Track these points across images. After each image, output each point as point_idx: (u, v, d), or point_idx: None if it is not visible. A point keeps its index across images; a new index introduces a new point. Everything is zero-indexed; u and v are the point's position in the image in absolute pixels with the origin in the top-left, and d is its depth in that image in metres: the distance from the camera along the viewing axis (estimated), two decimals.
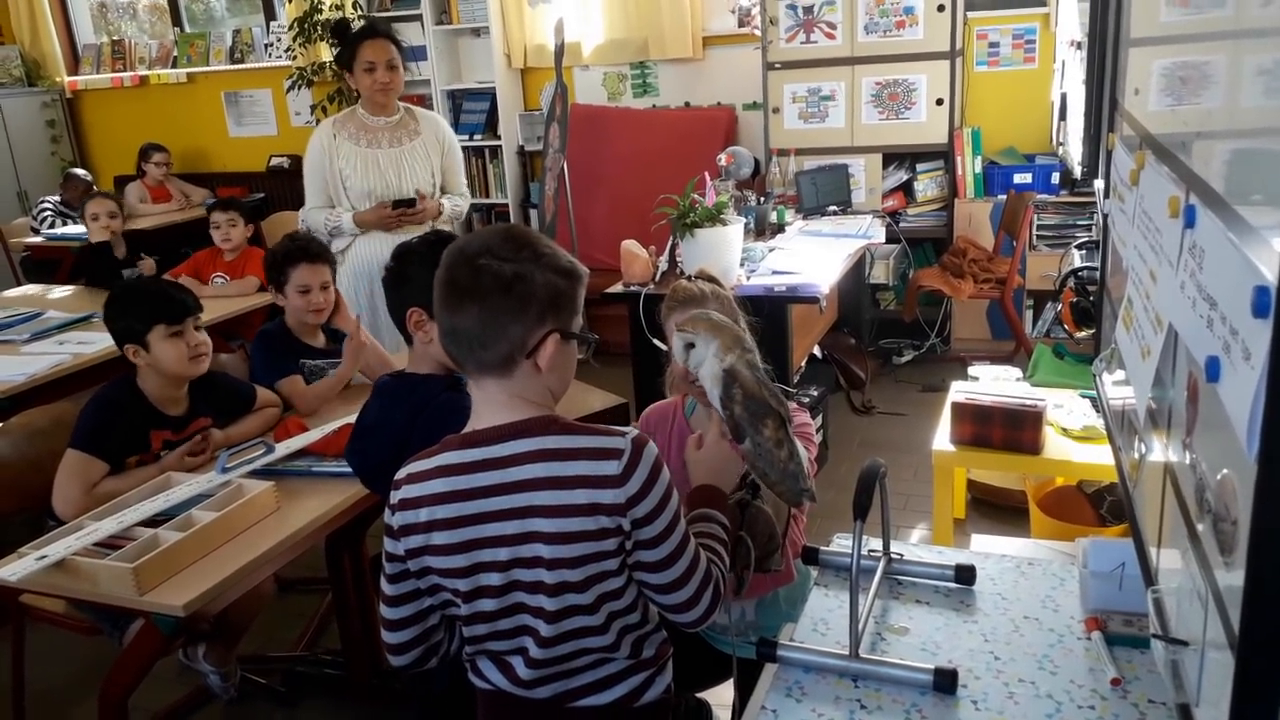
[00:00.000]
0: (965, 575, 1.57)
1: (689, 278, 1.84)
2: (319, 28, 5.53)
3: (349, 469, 1.94)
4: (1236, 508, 0.74)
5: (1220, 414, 0.77)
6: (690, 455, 1.43)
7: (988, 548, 2.28)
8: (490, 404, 1.27)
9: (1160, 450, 1.10)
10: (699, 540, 1.30)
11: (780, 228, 4.19)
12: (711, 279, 1.84)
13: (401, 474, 1.29)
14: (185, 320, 2.26)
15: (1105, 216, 1.68)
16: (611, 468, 1.20)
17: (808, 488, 1.34)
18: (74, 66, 7.05)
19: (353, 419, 1.95)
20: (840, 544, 1.70)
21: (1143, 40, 1.50)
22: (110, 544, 1.88)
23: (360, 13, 5.62)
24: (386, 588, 1.31)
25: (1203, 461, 0.87)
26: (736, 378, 1.33)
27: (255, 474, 2.16)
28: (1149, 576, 1.16)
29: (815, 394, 3.57)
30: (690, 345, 1.36)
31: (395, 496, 1.28)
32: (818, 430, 2.86)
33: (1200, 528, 0.86)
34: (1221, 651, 0.77)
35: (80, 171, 6.06)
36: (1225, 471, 0.78)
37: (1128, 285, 1.31)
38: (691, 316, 1.38)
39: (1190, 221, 0.94)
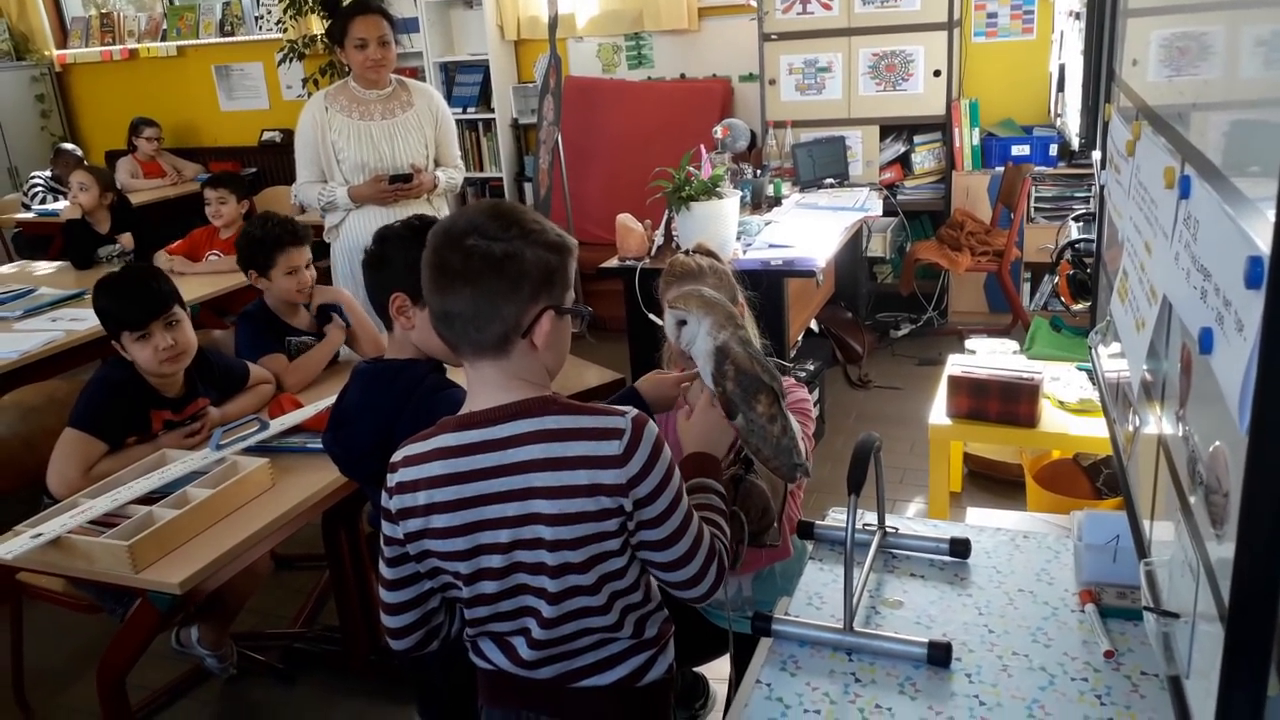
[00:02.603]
0: (960, 549, 1.57)
1: (686, 252, 1.83)
2: (310, 0, 5.46)
3: None
4: (1228, 480, 0.74)
5: (1213, 386, 0.77)
6: (681, 426, 1.43)
7: (983, 521, 2.28)
8: (487, 385, 1.26)
9: (1154, 423, 1.10)
10: (700, 513, 1.29)
11: (777, 201, 4.16)
12: (709, 253, 1.83)
13: (397, 456, 1.27)
14: (149, 324, 2.18)
15: (1102, 188, 1.67)
16: (612, 448, 1.19)
17: (801, 463, 1.34)
18: (62, 40, 6.98)
19: None
20: (835, 518, 1.70)
21: (1140, 10, 1.48)
22: (105, 522, 1.88)
23: None
24: (385, 571, 1.30)
25: (1195, 434, 0.87)
26: (728, 354, 1.33)
27: (250, 450, 2.16)
28: (1142, 549, 1.16)
29: (812, 368, 3.56)
30: (682, 323, 1.35)
31: (392, 479, 1.27)
32: (814, 405, 2.85)
33: (1192, 500, 0.86)
34: (1212, 624, 0.77)
35: (70, 146, 6.01)
36: (1217, 443, 0.78)
37: (1123, 257, 1.30)
38: (683, 294, 1.37)
39: (1185, 192, 0.93)
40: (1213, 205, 0.83)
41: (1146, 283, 1.10)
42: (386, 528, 1.28)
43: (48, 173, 5.84)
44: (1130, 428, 1.28)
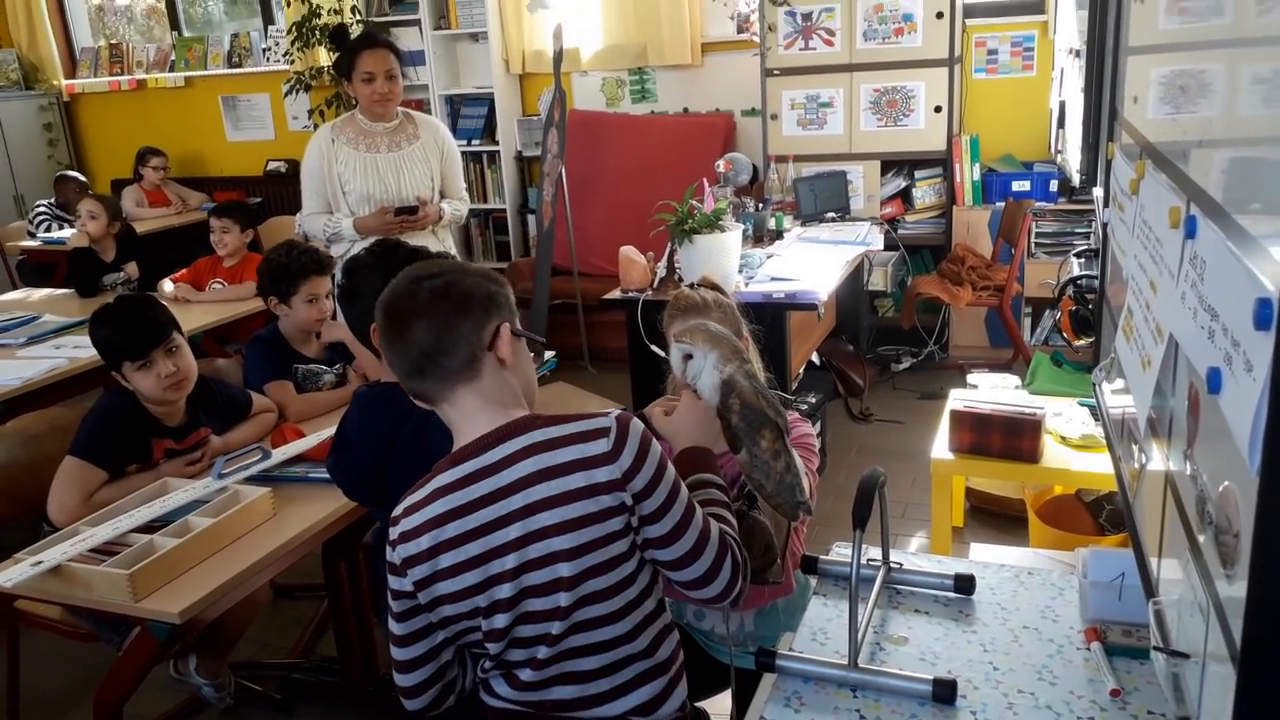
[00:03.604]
0: (964, 585, 1.57)
1: (692, 285, 1.84)
2: (317, 32, 5.52)
3: None
4: (1238, 520, 0.74)
5: (1221, 425, 0.77)
6: (660, 424, 1.44)
7: (987, 557, 2.27)
8: (469, 418, 1.29)
9: (1160, 460, 1.10)
10: (704, 509, 1.30)
11: (778, 234, 4.18)
12: (715, 286, 1.83)
13: (398, 510, 1.29)
14: (150, 352, 2.19)
15: (1105, 225, 1.68)
16: (601, 445, 1.22)
17: (804, 500, 1.34)
18: (71, 70, 7.05)
19: None
20: (839, 553, 1.70)
21: (1142, 48, 1.50)
22: (106, 550, 1.87)
23: (359, 17, 5.61)
24: (395, 628, 1.30)
25: (1204, 473, 0.87)
26: (734, 388, 1.33)
27: (251, 480, 2.15)
28: (1149, 587, 1.15)
29: (813, 401, 3.56)
30: (688, 356, 1.36)
31: (394, 532, 1.28)
32: (816, 438, 2.85)
33: (1201, 539, 0.85)
34: (1223, 664, 0.77)
35: (73, 174, 6.04)
36: (1227, 484, 0.78)
37: (1128, 294, 1.30)
38: (690, 327, 1.38)
39: (1191, 232, 0.94)
40: (1219, 245, 0.83)
41: (1152, 321, 1.10)
42: (393, 582, 1.28)
43: (50, 200, 5.87)
44: (1136, 465, 1.28)
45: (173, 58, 6.74)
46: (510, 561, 1.22)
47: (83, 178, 6.05)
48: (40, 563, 1.81)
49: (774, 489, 1.31)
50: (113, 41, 7.06)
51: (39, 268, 5.41)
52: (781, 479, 1.30)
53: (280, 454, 2.26)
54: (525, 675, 1.28)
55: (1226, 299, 0.80)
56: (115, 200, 4.64)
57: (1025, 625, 1.49)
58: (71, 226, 5.69)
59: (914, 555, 1.71)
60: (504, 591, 1.23)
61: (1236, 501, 0.75)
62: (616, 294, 3.57)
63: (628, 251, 3.57)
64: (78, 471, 2.13)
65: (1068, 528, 2.80)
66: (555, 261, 5.01)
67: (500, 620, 1.25)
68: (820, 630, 1.51)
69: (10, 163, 6.51)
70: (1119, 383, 1.46)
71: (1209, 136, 0.96)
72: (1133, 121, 1.45)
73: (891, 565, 1.60)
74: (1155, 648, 0.99)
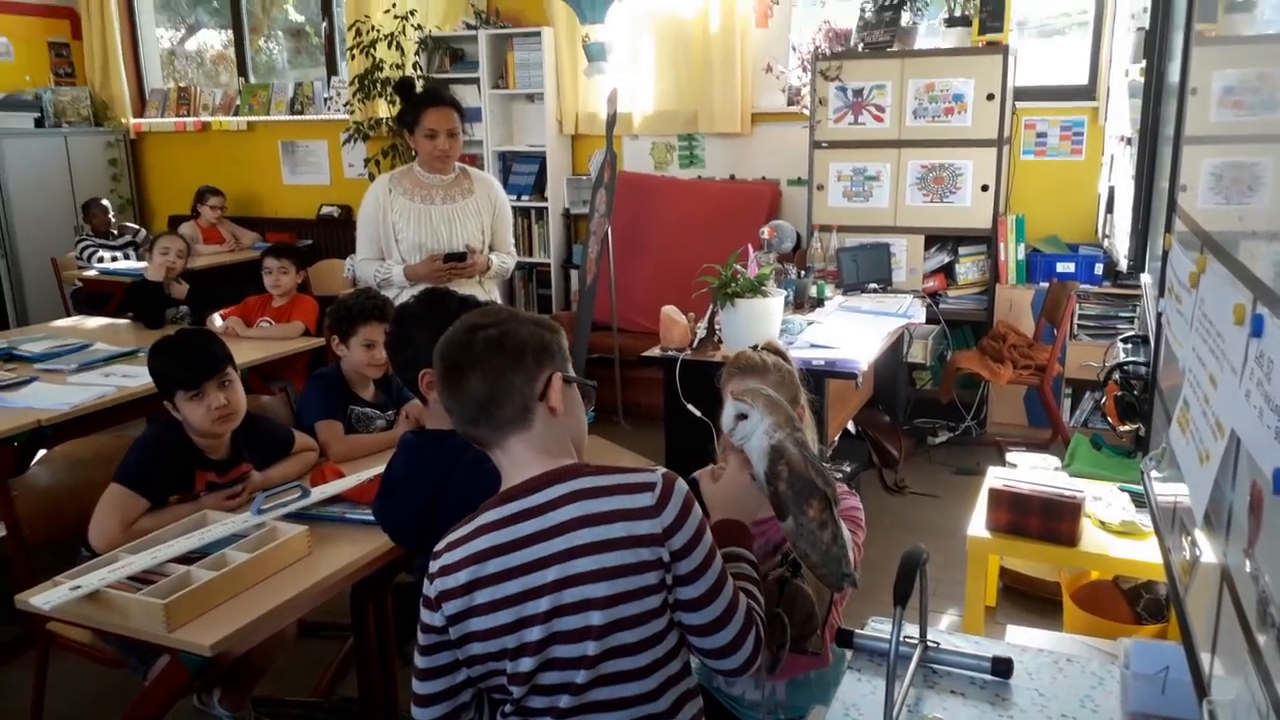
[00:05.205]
0: (1002, 668, 1.54)
1: (755, 347, 1.84)
2: (379, 85, 5.69)
3: None
4: None
5: None
6: (706, 489, 1.44)
7: (1024, 640, 2.22)
8: (518, 465, 1.31)
9: (1216, 555, 1.08)
10: (735, 582, 1.30)
11: (820, 302, 4.20)
12: (778, 351, 1.83)
13: (441, 544, 1.30)
14: (204, 384, 2.23)
15: (1159, 315, 1.67)
16: (646, 499, 1.24)
17: (850, 573, 1.33)
18: (140, 109, 7.31)
19: None
20: (875, 628, 1.67)
21: (1201, 138, 1.50)
22: (142, 578, 1.89)
23: (420, 73, 5.78)
24: (420, 661, 1.31)
25: (1266, 573, 0.85)
26: (783, 454, 1.33)
27: (289, 517, 2.17)
28: (1201, 685, 1.13)
29: (848, 470, 3.54)
30: (743, 416, 1.36)
31: (434, 565, 1.29)
32: None
33: (1262, 640, 0.84)
34: None
35: (105, 202, 6.20)
36: None
37: (1184, 386, 1.30)
38: (750, 389, 1.39)
39: (1258, 331, 0.94)
40: None
41: (1211, 415, 1.10)
42: (425, 615, 1.29)
43: (88, 228, 6.03)
44: (1188, 557, 1.25)
45: (238, 102, 6.96)
46: (544, 605, 1.23)
47: (107, 203, 6.20)
48: (79, 587, 1.84)
49: (819, 559, 1.31)
50: (181, 85, 7.32)
51: (93, 297, 5.55)
52: (828, 549, 1.30)
53: (319, 493, 2.28)
54: None
55: None
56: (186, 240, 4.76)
57: (1063, 713, 1.46)
58: (125, 257, 5.87)
59: (950, 635, 1.68)
60: (534, 634, 1.24)
61: None
62: (656, 352, 3.59)
63: (669, 311, 3.60)
64: (121, 499, 2.16)
65: (1103, 614, 2.74)
66: (595, 317, 5.06)
67: (526, 664, 1.25)
68: (854, 706, 1.49)
69: (74, 195, 6.73)
70: (1169, 471, 1.44)
71: (1278, 231, 0.96)
72: (1192, 213, 1.46)
73: (929, 644, 1.57)
74: None
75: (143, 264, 5.00)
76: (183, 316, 4.22)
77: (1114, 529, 2.55)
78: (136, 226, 6.35)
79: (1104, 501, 2.64)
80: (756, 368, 1.75)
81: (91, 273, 5.68)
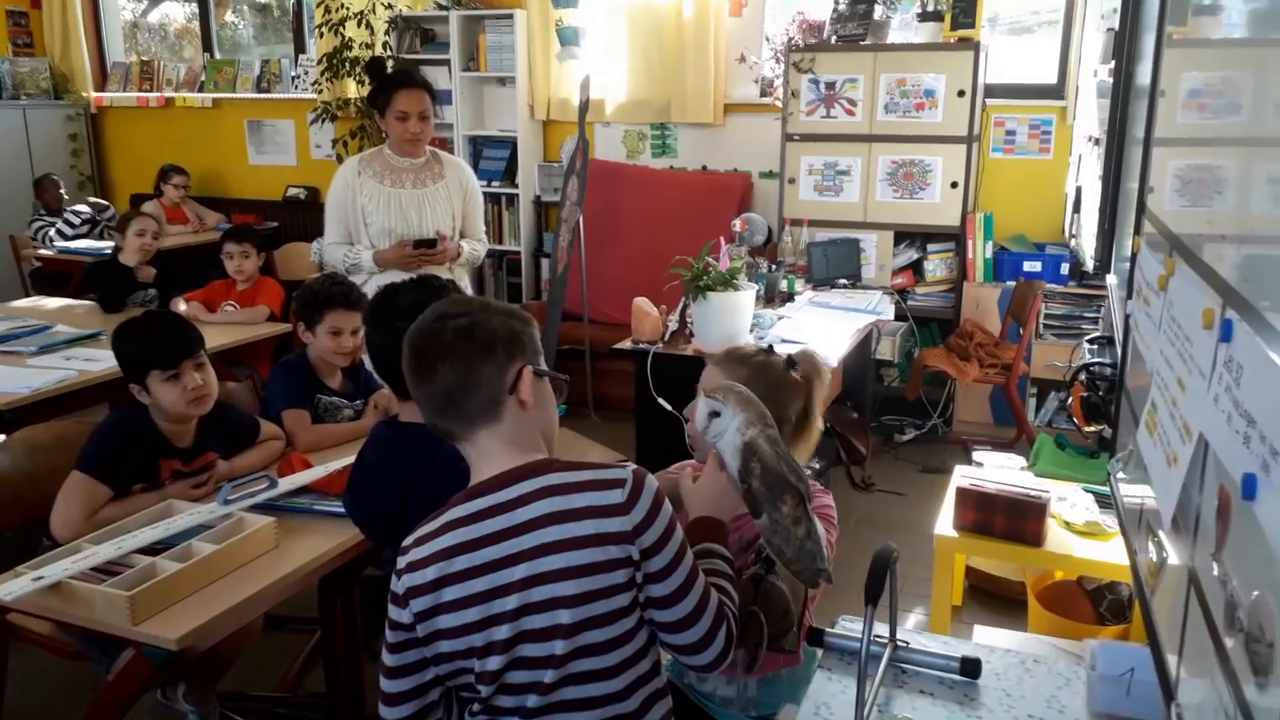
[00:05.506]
0: (971, 668, 1.55)
1: (768, 349, 1.75)
2: (348, 64, 5.61)
3: None
4: (1273, 630, 0.74)
5: (1255, 531, 0.77)
6: (685, 488, 1.44)
7: (991, 640, 2.26)
8: (488, 458, 1.30)
9: (1183, 558, 1.10)
10: (708, 578, 1.30)
11: (790, 296, 4.22)
12: (799, 362, 1.71)
13: (409, 540, 1.29)
14: (181, 363, 2.20)
15: (1128, 317, 1.70)
16: (615, 496, 1.23)
17: (824, 568, 1.34)
18: (102, 83, 7.14)
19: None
20: (845, 627, 1.69)
21: (1172, 140, 1.52)
22: (106, 569, 1.86)
23: (390, 53, 5.71)
24: (387, 659, 1.29)
25: (1234, 578, 0.87)
26: (756, 451, 1.34)
27: (256, 508, 2.14)
28: (1168, 688, 1.15)
29: (818, 466, 3.56)
30: (715, 414, 1.36)
31: (401, 561, 1.28)
32: None
33: (1229, 643, 0.85)
34: None
35: (53, 175, 6.07)
36: (1260, 592, 0.78)
37: (1152, 389, 1.31)
38: (722, 387, 1.38)
39: (1227, 336, 0.95)
40: (1258, 352, 0.84)
41: (1179, 419, 1.11)
42: (393, 611, 1.28)
43: (40, 205, 5.90)
44: (1154, 559, 1.28)
45: (202, 78, 6.83)
46: (512, 602, 1.22)
47: (59, 178, 6.06)
48: (41, 578, 1.80)
49: (794, 555, 1.31)
50: (144, 58, 7.17)
51: (51, 277, 5.42)
52: (802, 545, 1.31)
53: (287, 484, 2.25)
54: None
55: (1265, 406, 0.80)
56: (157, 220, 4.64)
57: (1030, 714, 1.48)
58: (83, 236, 5.71)
59: (919, 635, 1.70)
60: (501, 633, 1.23)
61: (1272, 611, 0.75)
62: (627, 344, 3.58)
63: (641, 303, 3.60)
64: (83, 487, 2.12)
65: (1067, 614, 2.78)
66: (566, 307, 5.04)
67: (494, 662, 1.24)
68: (824, 705, 1.50)
69: (33, 170, 6.55)
70: (1135, 473, 1.46)
71: (1249, 233, 0.97)
72: (1162, 216, 1.47)
73: (898, 644, 1.59)
74: None
75: (106, 243, 4.88)
76: (149, 300, 4.14)
77: (1078, 529, 2.59)
78: (105, 203, 6.19)
79: (1068, 502, 2.68)
80: (745, 359, 1.69)
81: (50, 252, 5.55)
